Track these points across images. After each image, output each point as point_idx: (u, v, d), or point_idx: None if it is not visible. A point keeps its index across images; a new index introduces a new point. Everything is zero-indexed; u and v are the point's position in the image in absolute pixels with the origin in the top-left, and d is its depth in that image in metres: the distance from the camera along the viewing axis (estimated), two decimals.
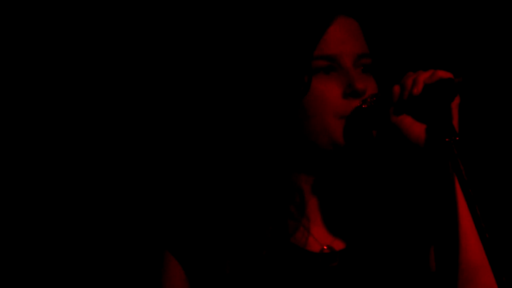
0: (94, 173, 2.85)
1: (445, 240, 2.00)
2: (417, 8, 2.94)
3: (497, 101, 2.94)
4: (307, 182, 2.08)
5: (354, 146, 2.01)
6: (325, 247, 2.06)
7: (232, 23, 2.47)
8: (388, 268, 2.04)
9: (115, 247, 2.86)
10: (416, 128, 1.97)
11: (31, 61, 2.81)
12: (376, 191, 2.11)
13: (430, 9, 2.94)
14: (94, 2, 2.82)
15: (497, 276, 1.78)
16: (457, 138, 1.87)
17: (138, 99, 2.86)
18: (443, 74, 1.93)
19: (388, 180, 2.12)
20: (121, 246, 2.86)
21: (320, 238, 2.06)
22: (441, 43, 2.95)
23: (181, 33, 2.85)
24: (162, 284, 2.07)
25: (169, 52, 2.86)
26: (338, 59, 2.00)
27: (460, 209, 1.98)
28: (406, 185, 2.13)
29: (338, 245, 2.06)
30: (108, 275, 2.86)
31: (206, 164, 2.12)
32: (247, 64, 2.04)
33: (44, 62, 2.82)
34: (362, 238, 2.06)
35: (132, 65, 2.86)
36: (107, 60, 2.84)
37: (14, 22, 2.79)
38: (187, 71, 2.85)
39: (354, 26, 2.04)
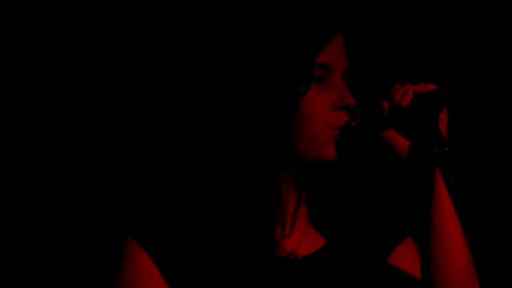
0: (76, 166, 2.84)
1: (430, 246, 2.01)
2: (398, 19, 2.95)
3: (485, 110, 2.96)
4: (295, 189, 2.08)
5: (343, 160, 2.02)
6: (295, 253, 2.06)
7: (236, 22, 2.47)
8: (360, 274, 2.05)
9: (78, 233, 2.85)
10: (406, 143, 1.99)
11: (31, 61, 2.80)
12: (361, 200, 2.12)
13: (411, 20, 2.96)
14: (94, 2, 2.82)
15: (484, 285, 1.79)
16: (447, 149, 1.89)
17: (129, 95, 2.86)
18: (431, 85, 1.95)
19: (374, 190, 2.14)
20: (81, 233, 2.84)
21: (293, 244, 2.06)
22: (427, 52, 2.96)
23: (179, 33, 2.85)
24: (124, 272, 2.00)
25: (165, 53, 2.86)
26: (332, 70, 2.01)
27: (449, 218, 1.99)
28: (392, 196, 2.15)
29: (305, 250, 2.06)
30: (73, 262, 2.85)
31: (193, 160, 2.09)
32: (247, 64, 2.04)
33: (44, 62, 2.81)
34: (337, 246, 2.07)
35: (122, 63, 2.86)
36: (105, 60, 2.84)
37: (14, 22, 2.79)
38: (180, 64, 2.85)
39: (343, 42, 2.06)
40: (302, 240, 2.07)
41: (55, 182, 2.82)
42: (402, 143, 1.99)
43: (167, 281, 1.97)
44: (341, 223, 2.09)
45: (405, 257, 2.09)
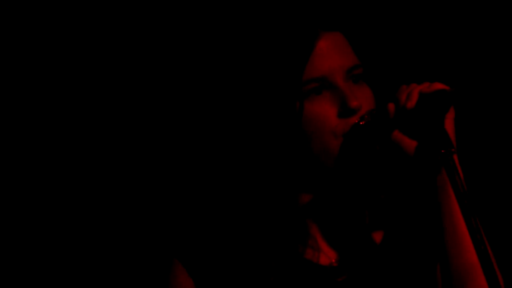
0: (103, 177, 2.85)
1: (440, 249, 2.01)
2: (402, 11, 2.95)
3: (490, 111, 2.95)
4: (312, 200, 2.07)
5: (355, 163, 2.00)
6: (333, 261, 2.06)
7: (217, 55, 2.47)
8: (396, 282, 2.04)
9: (125, 253, 2.86)
10: (413, 144, 1.97)
11: (31, 61, 2.81)
12: (380, 205, 2.11)
13: (419, 14, 2.95)
14: (94, 2, 2.82)
15: (491, 285, 1.78)
16: (453, 150, 1.88)
17: (141, 105, 2.86)
18: (437, 85, 1.94)
19: (391, 193, 2.13)
20: (131, 252, 2.86)
21: (328, 252, 2.06)
22: (432, 53, 2.95)
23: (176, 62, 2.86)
24: None
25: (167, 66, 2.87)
26: (328, 78, 1.98)
27: (456, 219, 1.98)
28: (405, 199, 2.14)
29: (346, 259, 2.06)
30: (116, 280, 2.86)
31: (221, 181, 2.12)
32: (241, 94, 2.03)
33: (44, 62, 2.81)
34: (369, 252, 2.06)
35: (124, 67, 2.86)
36: (107, 62, 2.84)
37: (14, 22, 2.79)
38: (186, 99, 2.86)
39: (340, 39, 2.02)
40: (335, 249, 2.07)
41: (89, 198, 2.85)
42: (409, 144, 1.98)
43: None
44: (367, 230, 2.09)
45: None
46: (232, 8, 2.73)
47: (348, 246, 2.07)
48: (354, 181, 2.06)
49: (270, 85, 1.98)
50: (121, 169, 2.85)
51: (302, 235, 2.05)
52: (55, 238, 2.84)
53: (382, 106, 1.99)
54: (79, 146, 2.84)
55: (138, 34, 2.85)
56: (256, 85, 2.00)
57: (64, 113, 2.83)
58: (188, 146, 2.84)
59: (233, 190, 2.05)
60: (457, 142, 1.97)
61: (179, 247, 2.05)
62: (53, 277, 2.84)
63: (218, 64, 2.59)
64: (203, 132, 2.79)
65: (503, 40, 2.93)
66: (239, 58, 2.04)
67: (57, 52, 2.82)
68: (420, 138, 1.96)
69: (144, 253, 2.84)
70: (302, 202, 2.06)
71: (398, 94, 1.96)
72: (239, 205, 2.05)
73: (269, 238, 2.01)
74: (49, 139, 2.83)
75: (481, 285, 1.96)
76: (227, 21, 2.75)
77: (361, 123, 1.98)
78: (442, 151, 1.87)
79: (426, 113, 1.91)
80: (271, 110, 1.99)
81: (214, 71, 2.75)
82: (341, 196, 2.08)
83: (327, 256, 2.06)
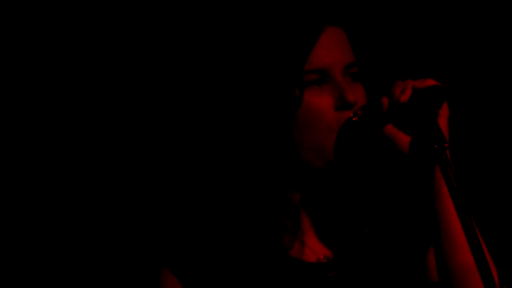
0: (92, 180, 2.85)
1: (436, 244, 2.01)
2: (402, 13, 2.95)
3: (484, 107, 2.95)
4: (301, 196, 2.08)
5: (346, 159, 2.01)
6: (321, 257, 2.06)
7: (222, 41, 2.47)
8: (384, 277, 2.04)
9: (114, 260, 2.85)
10: (406, 139, 1.97)
11: (31, 61, 2.80)
12: (370, 201, 2.11)
13: (417, 14, 2.95)
14: (94, 2, 2.82)
15: (485, 281, 1.78)
16: (446, 145, 1.88)
17: (140, 105, 2.86)
18: (430, 81, 1.94)
19: (380, 189, 2.13)
20: (120, 259, 2.85)
21: (316, 249, 2.07)
22: (427, 50, 2.95)
23: (176, 55, 2.86)
24: None
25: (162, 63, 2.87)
26: (328, 71, 2.00)
27: (450, 214, 1.98)
28: (398, 194, 2.14)
29: (334, 255, 2.06)
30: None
31: (203, 180, 2.12)
32: (240, 81, 2.04)
33: (44, 62, 2.81)
34: (358, 247, 2.07)
35: (124, 68, 2.86)
36: (107, 62, 2.84)
37: (14, 22, 2.79)
38: (183, 90, 2.86)
39: (341, 35, 2.05)
40: (323, 245, 2.07)
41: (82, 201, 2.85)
42: (403, 139, 1.98)
43: None
44: (356, 227, 2.09)
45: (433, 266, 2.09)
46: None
47: (337, 242, 2.07)
48: (346, 177, 2.07)
49: (273, 72, 2.00)
50: (107, 172, 2.85)
51: (291, 232, 2.05)
52: (46, 240, 2.84)
53: (376, 101, 1.99)
54: (70, 144, 2.84)
55: (137, 33, 2.85)
56: (259, 73, 2.01)
57: (62, 112, 2.83)
58: (177, 144, 2.83)
59: (222, 187, 2.05)
60: (451, 138, 1.97)
61: (167, 253, 2.06)
62: (46, 279, 2.84)
63: (221, 49, 2.58)
64: (192, 126, 2.79)
65: (496, 37, 2.93)
66: (244, 44, 2.05)
67: (57, 52, 2.81)
68: (413, 133, 1.96)
69: (133, 260, 2.83)
70: (291, 199, 2.06)
71: (392, 89, 1.96)
72: (228, 204, 2.05)
73: (257, 238, 2.01)
74: (45, 137, 2.83)
75: (476, 282, 1.96)
76: (237, 7, 2.75)
77: (354, 118, 1.99)
78: (435, 146, 1.87)
79: (419, 107, 1.91)
80: (271, 98, 2.00)
81: (216, 56, 2.74)
82: (331, 193, 2.08)
83: (315, 252, 2.06)
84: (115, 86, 2.86)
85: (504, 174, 2.94)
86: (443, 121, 1.96)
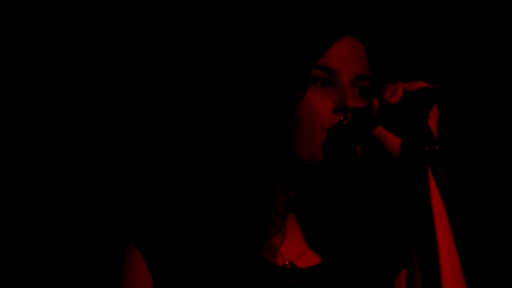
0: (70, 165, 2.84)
1: (425, 248, 2.01)
2: (396, 15, 2.95)
3: (474, 109, 2.96)
4: (289, 194, 2.07)
5: (335, 162, 2.01)
6: (286, 262, 2.05)
7: (238, 23, 2.46)
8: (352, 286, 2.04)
9: (81, 233, 2.84)
10: (397, 141, 1.97)
11: (31, 61, 2.80)
12: (355, 206, 2.11)
13: (407, 17, 2.96)
14: (94, 2, 2.82)
15: (475, 284, 1.78)
16: (437, 147, 1.88)
17: (131, 94, 2.86)
18: (420, 83, 1.94)
19: (368, 194, 2.13)
20: (86, 233, 2.84)
21: (287, 253, 2.06)
22: (417, 52, 2.96)
23: (181, 33, 2.85)
24: (122, 274, 2.05)
25: (165, 52, 2.86)
26: (337, 74, 2.01)
27: (440, 214, 1.98)
28: (386, 195, 2.14)
29: (304, 262, 2.06)
30: (71, 261, 2.84)
31: (192, 161, 2.11)
32: (247, 65, 2.04)
33: (44, 62, 2.80)
34: (331, 256, 2.07)
35: (124, 65, 2.85)
36: (105, 60, 2.84)
37: (14, 22, 2.78)
38: (181, 66, 2.85)
39: (360, 48, 2.06)
40: (297, 250, 2.07)
41: (58, 182, 2.83)
42: (393, 141, 1.98)
43: (158, 281, 2.02)
44: (336, 231, 2.08)
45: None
46: None
47: (315, 247, 2.07)
48: (334, 178, 2.06)
49: (284, 60, 2.01)
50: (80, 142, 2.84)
51: (271, 230, 2.04)
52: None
53: (367, 104, 1.99)
54: (66, 140, 2.84)
55: (139, 29, 2.85)
56: (269, 57, 2.03)
57: (61, 111, 2.83)
58: (157, 121, 2.83)
59: (209, 171, 2.05)
60: (440, 140, 1.97)
61: (134, 228, 2.04)
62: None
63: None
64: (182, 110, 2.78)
65: (486, 39, 2.94)
66: (260, 32, 2.07)
67: (57, 52, 2.81)
68: (403, 135, 1.97)
69: (99, 234, 2.82)
70: (279, 195, 2.06)
71: (383, 91, 1.97)
72: (211, 189, 2.04)
73: (233, 228, 2.01)
74: (45, 136, 2.82)
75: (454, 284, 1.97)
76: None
77: (344, 122, 1.99)
78: (426, 148, 1.87)
79: (410, 109, 1.91)
80: (275, 88, 2.00)
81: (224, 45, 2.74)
82: (319, 194, 2.08)
83: (282, 257, 2.05)
84: (116, 82, 2.85)
85: (495, 175, 2.94)
86: (433, 123, 1.96)
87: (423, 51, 2.95)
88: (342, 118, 2.00)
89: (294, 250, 2.07)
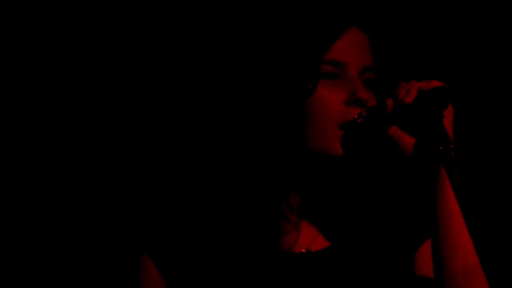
0: (80, 171, 2.84)
1: (438, 243, 2.01)
2: (405, 14, 2.95)
3: (489, 108, 2.95)
4: (302, 187, 2.08)
5: (349, 158, 2.01)
6: (303, 250, 2.06)
7: (244, 20, 2.45)
8: (368, 273, 2.04)
9: (94, 246, 2.85)
10: (411, 140, 1.97)
11: (31, 61, 2.80)
12: (367, 199, 2.11)
13: (419, 16, 2.96)
14: (94, 2, 2.82)
15: (491, 283, 1.78)
16: (451, 146, 1.88)
17: (134, 96, 2.86)
18: (435, 82, 1.94)
19: (382, 188, 2.13)
20: (100, 245, 2.85)
21: (304, 242, 2.07)
22: (431, 51, 2.95)
23: (186, 32, 2.85)
24: (138, 285, 2.06)
25: (173, 53, 2.86)
26: (346, 67, 2.01)
27: (453, 215, 1.98)
28: (399, 193, 2.14)
29: (319, 246, 2.07)
30: (86, 274, 2.85)
31: (194, 164, 2.12)
32: (256, 62, 2.04)
33: (44, 62, 2.81)
34: (345, 243, 2.07)
35: (132, 63, 2.86)
36: (110, 61, 2.84)
37: (14, 22, 2.79)
38: (187, 66, 2.85)
39: (365, 39, 2.06)
40: (311, 237, 2.07)
41: (64, 188, 2.84)
42: (408, 140, 1.98)
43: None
44: (349, 222, 2.09)
45: (423, 259, 2.08)
46: None
47: (330, 237, 2.08)
48: (346, 175, 2.07)
49: (292, 55, 2.01)
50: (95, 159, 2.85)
51: (285, 222, 2.05)
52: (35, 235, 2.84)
53: (381, 103, 1.99)
54: (65, 141, 2.84)
55: (141, 27, 2.85)
56: (277, 54, 2.02)
57: (61, 112, 2.83)
58: (170, 122, 2.83)
59: (219, 173, 2.05)
60: (456, 140, 1.97)
61: (147, 240, 2.05)
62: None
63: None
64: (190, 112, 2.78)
65: (500, 38, 2.93)
66: (265, 27, 2.06)
67: (57, 52, 2.81)
68: (418, 134, 1.97)
69: (113, 246, 2.82)
70: (291, 187, 2.06)
71: (397, 90, 1.97)
72: (220, 189, 2.05)
73: (247, 227, 2.02)
74: (45, 137, 2.83)
75: (474, 285, 1.96)
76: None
77: (358, 120, 1.99)
78: (441, 147, 1.87)
79: (424, 109, 1.91)
80: (286, 84, 2.00)
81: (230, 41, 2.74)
82: (331, 187, 2.09)
83: (300, 244, 2.06)
84: (119, 82, 2.86)
85: (510, 174, 2.94)
86: (448, 123, 1.96)
87: (428, 42, 2.95)
88: (356, 116, 2.00)
89: (310, 239, 2.07)
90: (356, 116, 1.99)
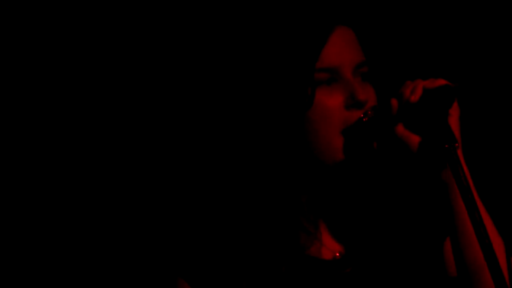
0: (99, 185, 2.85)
1: (457, 240, 2.01)
2: (410, 13, 2.95)
3: (494, 106, 2.95)
4: (315, 195, 2.08)
5: (357, 159, 2.01)
6: (337, 254, 2.07)
7: (232, 40, 2.46)
8: (400, 272, 2.05)
9: (128, 272, 2.86)
10: (417, 139, 1.98)
11: (31, 61, 2.81)
12: (382, 199, 2.12)
13: (425, 14, 2.96)
14: (94, 2, 2.82)
15: (496, 281, 1.78)
16: (457, 145, 1.88)
17: (147, 106, 2.86)
18: (440, 81, 1.94)
19: (392, 187, 2.13)
20: (135, 270, 2.85)
21: (331, 246, 2.08)
22: (436, 49, 2.95)
23: (186, 48, 2.86)
24: None
25: (174, 66, 2.87)
26: (339, 70, 2.01)
27: (462, 213, 1.98)
28: (410, 192, 2.14)
29: (350, 252, 2.08)
30: None
31: (216, 184, 2.12)
32: (252, 82, 2.05)
33: (44, 62, 2.81)
34: (372, 244, 2.08)
35: (138, 66, 2.86)
36: (110, 61, 2.85)
37: (14, 22, 2.79)
38: (192, 93, 2.86)
39: (351, 35, 2.05)
40: (334, 241, 2.09)
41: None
42: (413, 139, 1.98)
43: None
44: (366, 223, 2.10)
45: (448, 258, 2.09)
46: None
47: (351, 239, 2.08)
48: (357, 176, 2.07)
49: (285, 72, 2.01)
50: (118, 173, 2.85)
51: (306, 231, 2.06)
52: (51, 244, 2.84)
53: (386, 102, 1.99)
54: (76, 146, 2.84)
55: (143, 29, 2.86)
56: (271, 74, 2.02)
57: (64, 113, 2.83)
58: (187, 146, 2.83)
59: (236, 190, 2.06)
60: (462, 138, 1.97)
61: (182, 265, 2.06)
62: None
63: (230, 47, 2.58)
64: (204, 129, 2.79)
65: (506, 36, 2.93)
66: (255, 46, 2.06)
67: (57, 52, 2.82)
68: (423, 133, 1.97)
69: (146, 271, 2.83)
70: (305, 197, 2.07)
71: (402, 89, 1.97)
72: (242, 207, 2.05)
73: (274, 239, 2.02)
74: (48, 139, 2.83)
75: (487, 283, 1.97)
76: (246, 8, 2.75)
77: (364, 119, 2.00)
78: (446, 146, 1.87)
79: (430, 107, 1.91)
80: (284, 99, 2.00)
81: (225, 54, 2.74)
82: (343, 191, 2.09)
83: (330, 250, 2.07)
84: (128, 81, 2.86)
85: None
86: (453, 121, 1.96)
87: (433, 40, 2.95)
88: (361, 115, 2.00)
89: (336, 243, 2.09)
90: (362, 115, 2.00)
